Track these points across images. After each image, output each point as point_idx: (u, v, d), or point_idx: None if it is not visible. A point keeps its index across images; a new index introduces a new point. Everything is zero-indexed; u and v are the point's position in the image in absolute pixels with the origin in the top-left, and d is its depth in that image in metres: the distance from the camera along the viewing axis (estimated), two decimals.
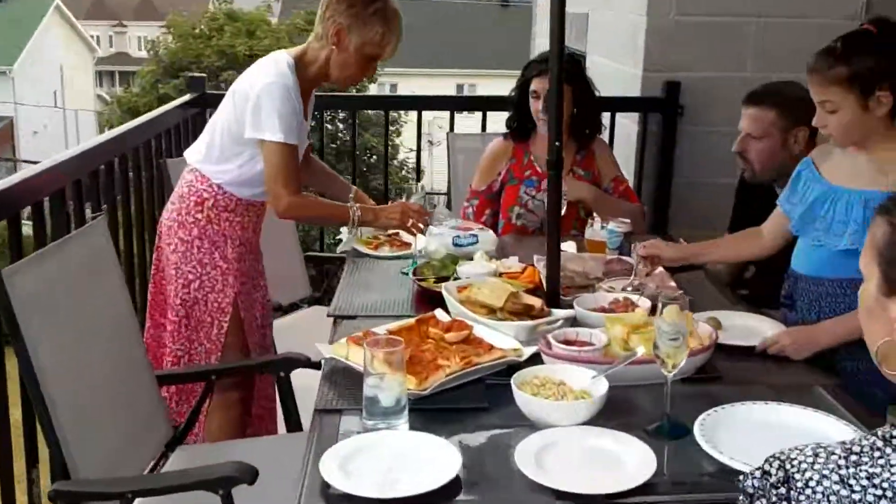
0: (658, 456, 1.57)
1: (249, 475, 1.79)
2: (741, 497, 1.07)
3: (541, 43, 7.36)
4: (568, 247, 2.80)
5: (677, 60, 3.85)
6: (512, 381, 1.74)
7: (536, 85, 3.09)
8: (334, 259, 3.99)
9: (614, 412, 1.72)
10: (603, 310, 2.18)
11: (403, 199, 2.85)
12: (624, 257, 2.64)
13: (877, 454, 0.97)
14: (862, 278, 2.02)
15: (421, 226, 2.71)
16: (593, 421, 1.69)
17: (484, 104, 4.44)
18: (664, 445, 1.65)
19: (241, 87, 2.56)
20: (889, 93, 1.98)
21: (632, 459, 1.57)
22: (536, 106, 3.09)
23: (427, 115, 4.96)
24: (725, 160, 3.83)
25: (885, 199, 1.06)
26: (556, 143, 2.16)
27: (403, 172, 18.87)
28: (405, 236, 2.88)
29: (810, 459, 1.00)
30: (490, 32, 30.94)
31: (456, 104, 4.87)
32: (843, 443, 1.01)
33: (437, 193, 4.05)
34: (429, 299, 2.41)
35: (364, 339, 1.98)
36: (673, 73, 3.84)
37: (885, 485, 0.95)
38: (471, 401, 1.82)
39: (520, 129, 3.22)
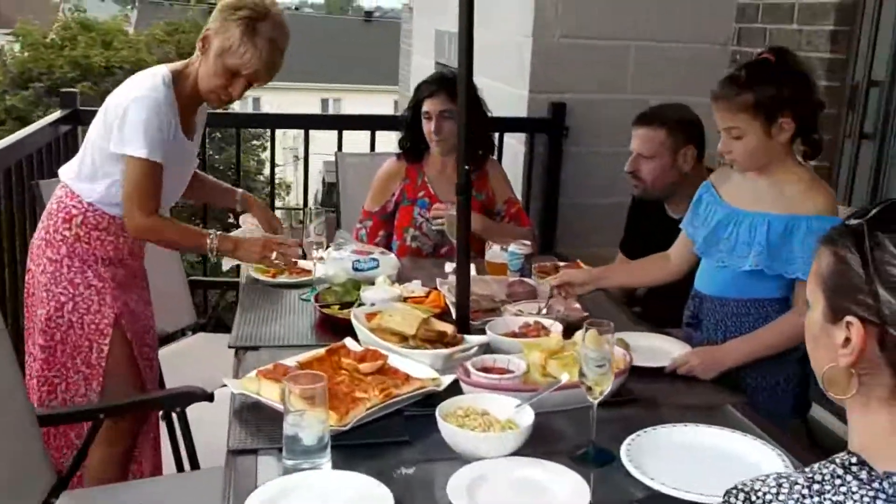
0: (587, 484, 1.56)
1: None
2: None
3: (418, 61, 7.40)
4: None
5: (562, 82, 3.93)
6: (437, 414, 1.70)
7: (428, 106, 3.08)
8: (219, 284, 3.86)
9: (538, 440, 1.71)
10: (514, 334, 2.17)
11: (306, 221, 2.75)
12: (525, 279, 2.65)
13: (838, 482, 0.99)
14: (765, 297, 2.12)
15: (283, 261, 2.57)
16: (519, 450, 1.67)
17: (343, 123, 4.38)
18: (590, 472, 1.65)
19: (113, 102, 2.41)
20: (791, 119, 2.07)
21: (563, 489, 1.55)
22: (429, 127, 3.08)
23: (293, 130, 4.85)
24: (609, 180, 3.96)
25: (830, 230, 1.08)
26: (466, 167, 2.14)
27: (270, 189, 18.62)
28: (303, 262, 2.80)
29: (774, 490, 1.01)
30: (354, 46, 30.86)
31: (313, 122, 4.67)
32: (804, 471, 1.02)
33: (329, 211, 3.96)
34: (332, 327, 2.36)
35: (275, 372, 1.91)
36: (559, 95, 3.91)
37: None
38: (392, 434, 1.77)
39: (413, 149, 3.20)
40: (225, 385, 2.85)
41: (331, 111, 30.13)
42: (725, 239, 2.17)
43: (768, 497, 1.00)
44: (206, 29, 2.41)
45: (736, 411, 1.91)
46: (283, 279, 2.75)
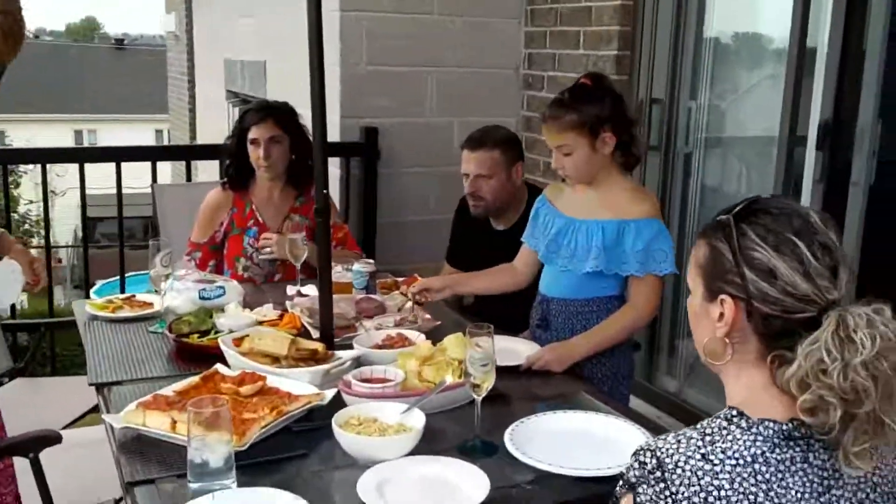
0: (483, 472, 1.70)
1: None
2: (620, 487, 1.25)
3: (206, 89, 7.30)
4: (310, 290, 2.87)
5: (371, 107, 4.08)
6: (334, 424, 1.78)
7: (256, 133, 3.13)
8: (34, 326, 3.67)
9: (425, 439, 1.83)
10: (380, 346, 2.28)
11: (150, 254, 2.69)
12: (371, 295, 2.76)
13: (724, 432, 1.19)
14: (605, 296, 2.37)
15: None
16: (412, 450, 1.79)
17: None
18: (478, 463, 1.79)
19: None
20: (612, 133, 2.33)
21: (464, 480, 1.68)
22: (258, 153, 3.13)
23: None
24: (421, 198, 4.17)
25: (705, 226, 1.30)
26: (324, 191, 2.23)
27: (26, 226, 17.46)
28: (142, 296, 2.76)
29: (674, 445, 1.19)
30: (106, 75, 29.44)
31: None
32: (695, 427, 1.22)
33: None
34: (189, 355, 2.37)
35: (156, 402, 1.92)
36: (369, 119, 4.06)
37: (736, 454, 1.16)
38: (290, 449, 1.83)
39: (238, 178, 3.22)
40: (68, 426, 2.78)
41: (86, 142, 28.59)
42: (566, 246, 2.41)
43: (670, 451, 1.19)
44: None
45: (590, 397, 2.14)
46: (124, 313, 2.70)
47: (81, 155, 4.26)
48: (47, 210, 4.40)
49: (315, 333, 2.39)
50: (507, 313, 2.63)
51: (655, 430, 1.91)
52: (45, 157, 4.22)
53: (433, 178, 4.20)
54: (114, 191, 3.93)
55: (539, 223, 2.52)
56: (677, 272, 2.42)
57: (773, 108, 3.20)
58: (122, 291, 3.89)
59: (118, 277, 4.20)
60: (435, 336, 2.32)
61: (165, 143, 26.98)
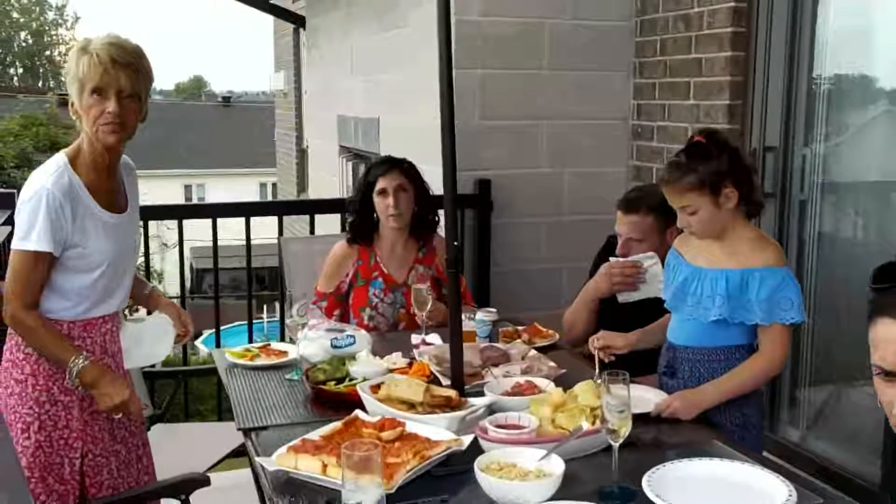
0: None
1: None
2: None
3: (316, 145, 7.57)
4: (433, 339, 2.97)
5: (483, 160, 4.20)
6: (476, 468, 1.86)
7: (384, 183, 3.27)
8: (172, 374, 3.87)
9: (562, 485, 1.88)
10: (510, 393, 2.35)
11: (285, 306, 2.85)
12: (494, 344, 2.84)
13: None
14: (731, 345, 2.38)
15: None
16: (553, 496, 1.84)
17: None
18: None
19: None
20: (733, 187, 2.37)
21: None
22: (386, 202, 3.26)
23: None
24: (533, 247, 4.25)
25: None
26: (455, 243, 2.33)
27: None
28: (276, 345, 2.91)
29: None
30: (214, 131, 30.70)
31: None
32: None
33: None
34: (325, 401, 2.48)
35: (304, 447, 2.02)
36: (482, 172, 4.18)
37: None
38: (432, 493, 1.90)
39: (363, 231, 3.35)
40: (208, 470, 2.93)
41: (194, 196, 29.79)
42: (692, 294, 2.44)
43: None
44: (68, 95, 2.36)
45: (723, 444, 2.15)
46: (261, 361, 2.84)
47: (182, 212, 4.40)
48: (148, 265, 4.54)
49: (445, 381, 2.48)
50: (629, 358, 2.66)
51: (789, 477, 1.92)
52: (148, 213, 4.18)
53: (544, 228, 4.29)
54: (225, 243, 4.12)
55: (668, 273, 2.56)
56: (804, 320, 2.41)
57: (889, 152, 3.17)
58: (218, 343, 4.10)
59: (215, 329, 4.37)
60: (561, 383, 2.38)
61: (269, 195, 27.97)
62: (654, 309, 2.73)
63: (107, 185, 2.43)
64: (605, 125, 4.40)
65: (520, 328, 3.09)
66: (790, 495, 1.79)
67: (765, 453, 2.91)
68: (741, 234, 2.42)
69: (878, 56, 3.56)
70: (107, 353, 2.47)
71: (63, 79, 2.34)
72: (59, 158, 2.37)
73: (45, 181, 2.30)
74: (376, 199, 3.30)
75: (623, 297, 3.03)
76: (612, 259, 3.05)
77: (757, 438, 2.48)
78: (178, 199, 28.01)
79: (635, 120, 4.37)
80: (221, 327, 4.33)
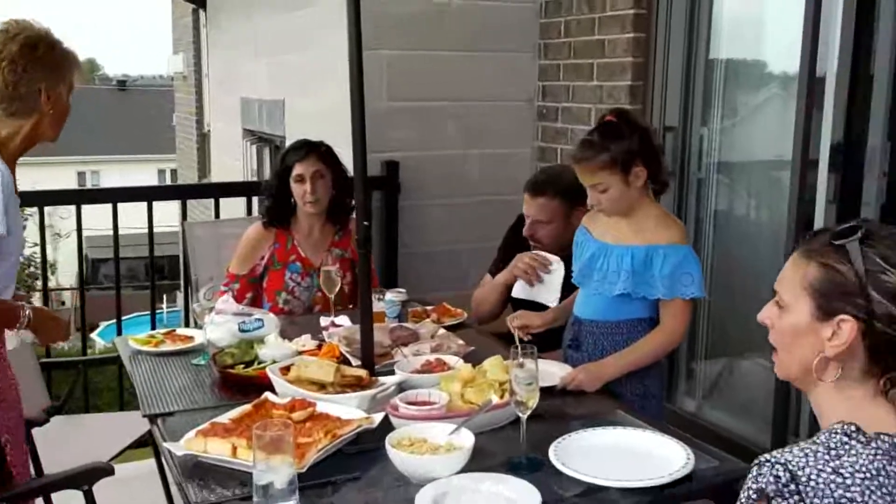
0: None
1: None
2: (750, 496, 1.25)
3: (219, 128, 7.43)
4: (343, 321, 2.96)
5: (390, 142, 4.20)
6: (388, 445, 1.87)
7: (301, 169, 3.23)
8: (72, 364, 3.76)
9: (472, 457, 1.91)
10: (420, 371, 2.37)
11: (191, 290, 2.80)
12: (404, 324, 2.85)
13: (847, 446, 1.24)
14: (634, 318, 2.45)
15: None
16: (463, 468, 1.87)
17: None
18: (527, 478, 1.87)
19: None
20: (643, 166, 2.43)
21: (515, 494, 1.77)
22: (304, 188, 3.23)
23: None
24: (440, 229, 4.27)
25: (810, 246, 1.34)
26: (365, 223, 2.33)
27: (31, 268, 17.53)
28: (182, 330, 2.86)
29: (803, 458, 1.24)
30: (109, 116, 29.72)
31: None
32: (815, 441, 1.26)
33: None
34: (233, 386, 2.46)
35: (214, 430, 2.00)
36: (389, 154, 4.18)
37: (863, 468, 1.22)
38: (344, 471, 1.91)
39: (280, 215, 3.32)
40: (111, 460, 2.87)
41: (89, 183, 28.80)
42: (598, 270, 2.50)
43: (801, 464, 1.23)
44: (44, 88, 2.28)
45: (626, 414, 2.22)
46: (166, 347, 2.79)
47: (80, 197, 4.31)
48: (45, 253, 4.38)
49: (355, 362, 2.47)
50: (535, 335, 2.71)
51: (689, 444, 1.99)
52: (42, 199, 4.12)
53: (452, 209, 4.32)
54: (121, 232, 4.01)
55: (576, 249, 2.62)
56: (704, 295, 2.50)
57: (782, 132, 3.30)
58: (119, 333, 4.00)
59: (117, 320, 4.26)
60: (470, 360, 2.40)
61: (168, 181, 27.25)
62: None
63: (12, 172, 2.37)
64: (511, 106, 4.45)
65: (428, 308, 3.11)
66: (688, 459, 1.87)
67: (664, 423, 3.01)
68: (648, 211, 2.49)
69: (770, 40, 3.70)
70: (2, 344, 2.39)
71: None
72: None
73: None
74: (293, 185, 3.26)
75: (516, 291, 3.02)
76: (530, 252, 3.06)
77: (658, 408, 2.57)
78: (71, 186, 27.09)
79: (540, 101, 4.43)
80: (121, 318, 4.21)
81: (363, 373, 2.28)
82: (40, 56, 2.28)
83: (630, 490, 1.79)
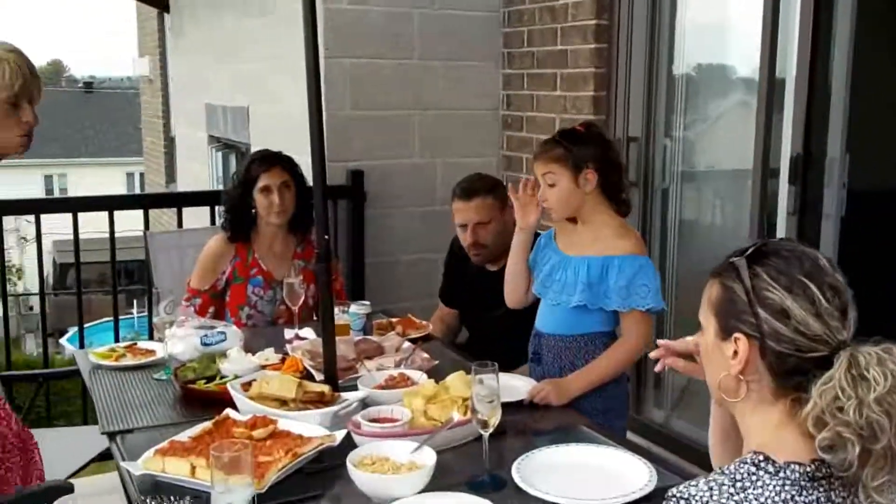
0: None
1: None
2: None
3: (184, 132, 7.36)
4: (307, 333, 2.94)
5: (355, 150, 4.18)
6: (349, 464, 1.86)
7: (267, 180, 3.20)
8: (33, 377, 3.70)
9: (434, 476, 1.90)
10: (383, 387, 2.36)
11: (152, 302, 2.77)
12: (368, 337, 2.84)
13: (754, 478, 1.24)
14: (592, 332, 2.47)
15: None
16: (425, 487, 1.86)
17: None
18: (489, 497, 1.87)
19: None
20: (594, 171, 2.46)
21: None
22: (269, 200, 3.20)
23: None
24: (406, 238, 4.26)
25: (718, 266, 1.37)
26: (326, 237, 2.32)
27: None
28: (143, 344, 2.82)
29: (707, 493, 1.24)
30: (75, 119, 29.36)
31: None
32: (723, 472, 1.26)
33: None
34: (195, 401, 2.43)
35: (172, 448, 1.97)
36: (354, 163, 4.16)
37: (768, 501, 1.21)
38: (304, 490, 1.89)
39: (240, 228, 3.28)
40: (71, 476, 2.82)
41: (56, 188, 28.47)
42: (557, 281, 2.52)
43: (704, 498, 1.23)
44: None
45: (589, 430, 2.22)
46: (127, 362, 2.75)
47: (41, 206, 4.24)
48: (3, 261, 4.32)
49: (318, 376, 2.46)
50: (501, 350, 2.71)
51: (652, 459, 2.00)
52: (3, 208, 4.10)
53: (418, 218, 4.31)
54: (88, 236, 3.96)
55: (539, 254, 2.63)
56: (663, 307, 2.52)
57: (744, 141, 3.32)
58: (81, 341, 3.96)
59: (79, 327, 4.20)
60: (435, 375, 2.40)
61: (136, 185, 26.95)
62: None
63: None
64: (476, 115, 4.45)
65: (393, 320, 3.10)
66: (650, 478, 1.87)
67: (631, 435, 3.03)
68: (605, 221, 2.51)
69: (732, 48, 3.73)
70: None
71: None
72: None
73: None
74: (258, 196, 3.22)
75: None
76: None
77: (622, 422, 2.58)
78: (37, 190, 26.72)
79: (505, 110, 4.44)
80: (89, 324, 4.16)
81: (326, 388, 2.27)
82: None
83: None
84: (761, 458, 1.25)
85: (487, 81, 4.43)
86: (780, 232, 3.16)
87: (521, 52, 4.27)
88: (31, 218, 4.05)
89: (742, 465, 1.26)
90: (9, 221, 4.05)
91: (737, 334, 1.31)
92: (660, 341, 1.67)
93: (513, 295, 2.76)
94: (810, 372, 1.24)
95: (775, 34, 3.08)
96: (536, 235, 2.73)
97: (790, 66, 3.13)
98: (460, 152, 4.38)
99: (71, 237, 3.98)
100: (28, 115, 2.30)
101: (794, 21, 3.11)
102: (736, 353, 1.31)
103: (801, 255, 1.30)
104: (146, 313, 3.65)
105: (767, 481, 1.23)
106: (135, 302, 13.49)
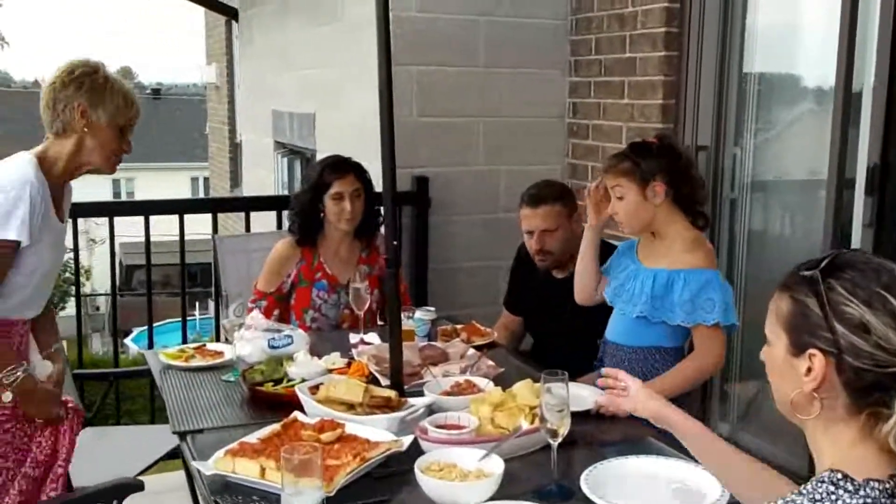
0: None
1: None
2: None
3: (250, 139, 7.47)
4: (372, 338, 2.96)
5: (421, 157, 4.20)
6: (417, 470, 1.85)
7: (340, 187, 3.24)
8: (105, 375, 3.79)
9: (501, 484, 1.89)
10: (449, 393, 2.36)
11: (221, 305, 2.81)
12: (433, 343, 2.84)
13: (833, 497, 1.20)
14: (653, 346, 2.44)
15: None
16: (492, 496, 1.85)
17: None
18: None
19: None
20: (663, 184, 2.43)
21: None
22: (341, 206, 3.23)
23: None
24: (469, 245, 4.26)
25: (785, 278, 1.34)
26: (395, 243, 2.33)
27: (67, 274, 17.76)
28: (212, 345, 2.87)
29: None
30: (143, 124, 29.84)
31: None
32: (801, 493, 1.23)
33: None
34: (263, 403, 2.46)
35: (242, 450, 2.00)
36: (420, 169, 4.18)
37: None
38: (371, 495, 1.90)
39: (307, 232, 3.32)
40: (140, 474, 2.88)
41: (123, 191, 29.10)
42: (627, 290, 2.50)
43: None
44: (79, 107, 2.33)
45: (658, 442, 2.19)
46: (197, 363, 2.80)
47: (113, 209, 4.28)
48: (78, 262, 4.45)
49: (383, 381, 2.47)
50: (566, 358, 2.69)
51: None
52: (76, 210, 4.18)
53: (481, 226, 4.31)
54: (156, 239, 4.05)
55: (615, 261, 2.64)
56: (734, 322, 2.46)
57: (816, 150, 3.25)
58: (150, 342, 4.04)
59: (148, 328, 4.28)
60: (501, 382, 2.39)
61: (201, 190, 27.45)
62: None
63: (57, 192, 2.41)
64: (541, 122, 4.43)
65: (458, 326, 3.10)
66: (722, 493, 1.83)
67: None
68: (678, 233, 2.48)
69: (803, 54, 3.65)
70: (20, 357, 2.38)
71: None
72: (29, 158, 2.32)
73: (27, 173, 2.27)
74: (329, 202, 3.26)
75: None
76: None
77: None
78: (105, 194, 27.34)
79: (571, 118, 4.41)
80: (156, 324, 4.24)
81: (392, 393, 2.27)
82: (76, 76, 2.36)
83: None
84: (839, 476, 1.21)
85: (553, 89, 4.41)
86: (856, 244, 3.08)
87: (589, 60, 4.24)
88: (101, 220, 4.15)
89: (820, 485, 1.22)
90: (79, 224, 4.14)
91: (811, 350, 1.26)
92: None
93: (582, 293, 2.78)
94: (890, 387, 1.20)
95: (853, 40, 3.00)
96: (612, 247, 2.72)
97: (868, 73, 3.05)
98: (524, 160, 4.37)
99: (136, 240, 4.06)
100: (126, 142, 2.45)
101: (872, 26, 3.03)
102: (810, 369, 1.26)
103: (877, 268, 1.26)
104: (209, 315, 3.70)
105: (847, 500, 1.19)
106: (197, 304, 13.73)
